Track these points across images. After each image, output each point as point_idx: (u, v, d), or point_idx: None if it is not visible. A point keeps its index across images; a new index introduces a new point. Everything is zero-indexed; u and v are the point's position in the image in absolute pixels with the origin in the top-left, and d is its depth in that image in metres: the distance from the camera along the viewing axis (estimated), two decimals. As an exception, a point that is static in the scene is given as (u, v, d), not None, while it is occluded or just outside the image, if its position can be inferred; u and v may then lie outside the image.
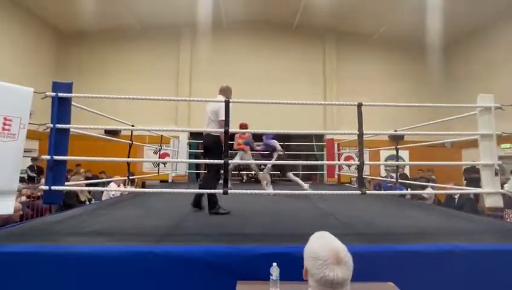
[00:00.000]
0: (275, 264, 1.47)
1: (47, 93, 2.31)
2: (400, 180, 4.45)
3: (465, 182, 6.94)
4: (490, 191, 2.32)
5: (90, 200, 5.54)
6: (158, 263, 1.72)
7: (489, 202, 2.35)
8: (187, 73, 10.60)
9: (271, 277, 1.45)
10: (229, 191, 2.43)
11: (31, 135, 2.22)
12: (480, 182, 2.43)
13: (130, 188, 5.41)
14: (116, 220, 2.71)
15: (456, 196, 5.07)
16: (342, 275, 0.94)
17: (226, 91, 3.29)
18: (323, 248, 0.99)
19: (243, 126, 5.02)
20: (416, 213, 3.23)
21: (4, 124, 1.97)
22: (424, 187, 5.21)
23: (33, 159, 7.44)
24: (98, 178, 6.68)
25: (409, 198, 5.14)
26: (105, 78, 10.31)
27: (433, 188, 5.31)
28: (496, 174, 2.26)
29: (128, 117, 5.16)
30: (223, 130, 2.51)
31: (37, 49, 9.44)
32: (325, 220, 2.91)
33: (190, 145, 7.90)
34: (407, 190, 5.43)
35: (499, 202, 2.35)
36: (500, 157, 2.48)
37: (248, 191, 2.71)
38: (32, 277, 1.69)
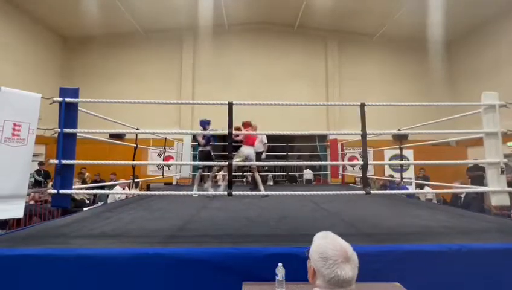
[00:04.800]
0: (280, 264, 1.48)
1: (54, 99, 2.36)
2: (404, 179, 4.41)
3: (469, 180, 6.87)
4: (496, 189, 2.30)
5: (89, 200, 5.65)
6: (164, 264, 1.74)
7: (495, 201, 2.33)
8: (190, 76, 10.68)
9: (276, 278, 1.46)
10: (234, 192, 2.45)
11: (38, 140, 2.26)
12: (484, 180, 2.41)
13: (135, 191, 5.46)
14: (123, 222, 2.74)
15: (462, 195, 5.01)
16: (352, 272, 0.95)
17: None
18: (332, 247, 0.99)
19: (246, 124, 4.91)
20: (422, 212, 3.21)
21: (14, 129, 2.02)
22: (422, 186, 5.16)
23: (40, 163, 7.55)
24: (100, 181, 6.80)
25: (417, 198, 5.08)
26: (109, 83, 10.43)
27: (429, 186, 5.25)
28: (502, 172, 2.25)
29: (133, 121, 5.20)
30: None
31: (42, 55, 9.60)
32: (330, 220, 2.91)
33: (194, 148, 7.92)
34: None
35: (505, 201, 2.33)
36: (505, 156, 2.46)
37: (253, 193, 2.73)
38: (42, 279, 1.72)
